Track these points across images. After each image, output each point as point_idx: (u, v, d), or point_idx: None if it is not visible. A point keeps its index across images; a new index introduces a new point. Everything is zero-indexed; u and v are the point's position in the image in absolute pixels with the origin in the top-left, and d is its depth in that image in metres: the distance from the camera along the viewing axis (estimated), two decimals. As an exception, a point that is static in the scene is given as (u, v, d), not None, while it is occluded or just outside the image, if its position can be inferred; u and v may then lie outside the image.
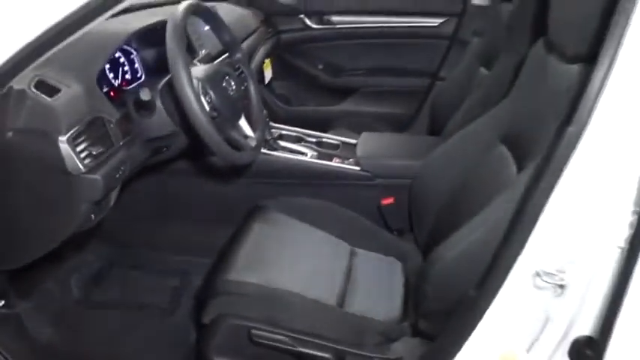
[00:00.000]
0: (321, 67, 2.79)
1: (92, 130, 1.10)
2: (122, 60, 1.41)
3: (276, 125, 2.02)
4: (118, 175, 1.16)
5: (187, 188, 1.87)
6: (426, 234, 1.47)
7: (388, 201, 1.73)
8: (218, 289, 1.28)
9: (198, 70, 1.30)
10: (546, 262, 0.85)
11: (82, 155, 1.05)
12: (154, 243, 1.95)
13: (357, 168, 1.82)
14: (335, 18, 2.71)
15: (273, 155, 1.80)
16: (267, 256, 1.41)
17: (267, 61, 2.53)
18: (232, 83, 1.36)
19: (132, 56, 1.45)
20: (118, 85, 1.38)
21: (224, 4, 2.28)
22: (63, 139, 1.02)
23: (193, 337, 1.57)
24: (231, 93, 1.35)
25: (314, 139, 1.99)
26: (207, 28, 1.71)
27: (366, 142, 1.96)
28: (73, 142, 1.04)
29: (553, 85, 1.11)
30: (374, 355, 1.19)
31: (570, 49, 1.04)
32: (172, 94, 1.27)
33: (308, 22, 2.71)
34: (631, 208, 0.76)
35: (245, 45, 2.12)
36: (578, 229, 0.82)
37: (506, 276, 0.88)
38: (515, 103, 1.32)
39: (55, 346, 1.50)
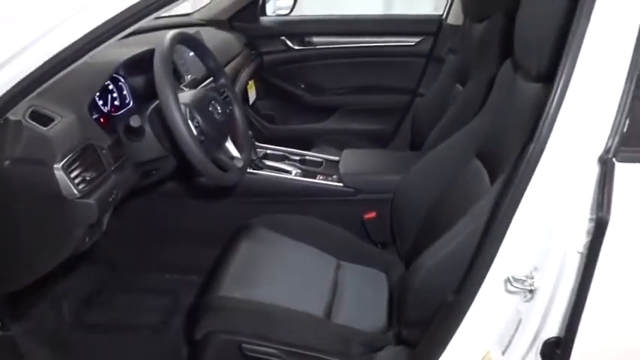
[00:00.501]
0: (303, 86, 2.86)
1: (85, 157, 1.14)
2: (111, 87, 1.46)
3: (261, 145, 2.07)
4: (111, 199, 1.21)
5: (175, 209, 1.91)
6: (408, 246, 1.52)
7: (371, 215, 1.78)
8: (209, 306, 1.32)
9: (186, 95, 1.36)
10: (516, 269, 0.91)
11: (77, 181, 1.10)
12: (143, 264, 1.98)
13: (340, 184, 1.87)
14: (315, 39, 2.79)
15: (259, 174, 1.84)
16: (256, 272, 1.45)
17: (251, 82, 2.59)
18: (218, 107, 1.42)
19: (120, 83, 1.50)
20: (108, 111, 1.43)
21: (207, 29, 2.34)
22: (58, 166, 1.07)
23: (185, 355, 1.60)
24: (217, 117, 1.40)
25: (298, 157, 2.04)
26: (192, 53, 1.77)
27: (348, 159, 2.02)
28: (67, 168, 1.08)
29: (519, 103, 1.18)
30: (360, 364, 1.24)
31: (533, 69, 1.11)
32: (161, 119, 1.32)
33: (289, 43, 2.78)
34: (588, 216, 0.83)
35: (229, 68, 2.18)
36: (544, 238, 0.89)
37: (481, 282, 0.94)
38: (487, 119, 1.39)
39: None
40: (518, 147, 1.08)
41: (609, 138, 0.82)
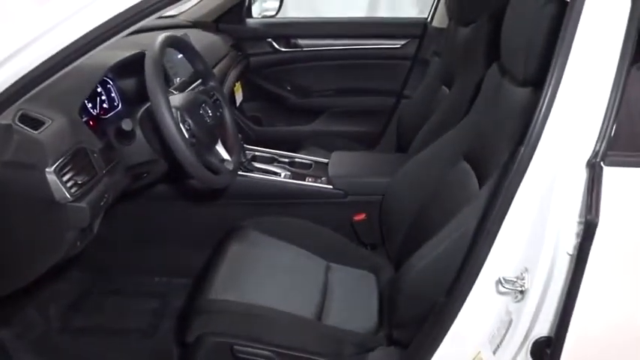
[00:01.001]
0: (289, 88, 2.86)
1: (77, 160, 1.14)
2: (99, 90, 1.45)
3: (250, 147, 2.07)
4: (102, 203, 1.20)
5: (165, 212, 1.90)
6: (397, 247, 1.54)
7: (360, 217, 1.80)
8: (200, 309, 1.32)
9: (176, 99, 1.36)
10: (506, 270, 0.93)
11: (69, 184, 1.09)
12: (132, 267, 1.97)
13: (330, 186, 1.88)
14: (302, 41, 2.80)
15: (248, 177, 1.84)
16: (246, 274, 1.45)
17: (238, 84, 2.59)
18: (208, 110, 1.42)
19: (108, 86, 1.49)
20: (97, 114, 1.42)
21: (194, 31, 2.34)
22: (50, 170, 1.06)
23: (176, 357, 1.59)
24: (208, 120, 1.40)
25: (287, 160, 2.04)
26: (180, 56, 1.76)
27: (337, 161, 2.03)
28: (59, 172, 1.07)
29: (507, 107, 1.21)
30: (351, 365, 1.25)
31: (520, 74, 1.14)
32: (151, 122, 1.32)
33: (276, 45, 2.79)
34: (576, 219, 0.85)
35: (216, 69, 2.17)
36: (534, 239, 0.91)
37: (473, 284, 0.96)
38: (474, 122, 1.41)
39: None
40: (505, 150, 1.11)
41: (597, 142, 0.84)
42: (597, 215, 0.77)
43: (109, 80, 1.49)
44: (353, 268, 1.62)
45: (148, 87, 1.19)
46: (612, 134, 0.84)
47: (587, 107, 0.86)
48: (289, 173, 1.93)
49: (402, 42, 2.75)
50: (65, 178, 1.09)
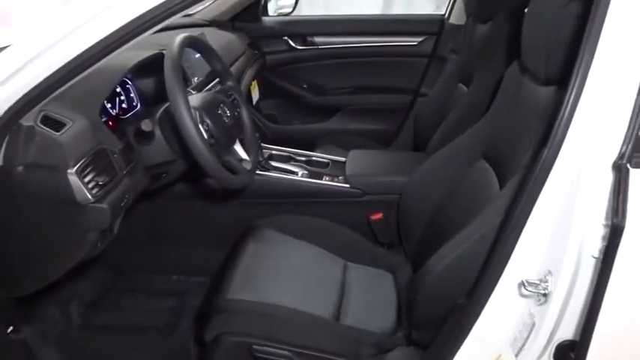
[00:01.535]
0: (305, 86, 2.86)
1: (97, 161, 1.14)
2: (118, 90, 1.46)
3: (267, 146, 2.08)
4: (122, 203, 1.21)
5: (182, 211, 1.91)
6: (414, 246, 1.53)
7: (377, 216, 1.79)
8: (218, 308, 1.33)
9: (194, 99, 1.36)
10: (530, 273, 0.92)
11: (90, 185, 1.10)
12: (150, 266, 1.99)
13: (347, 185, 1.88)
14: (318, 39, 2.79)
15: (265, 176, 1.85)
16: (264, 273, 1.46)
17: (254, 82, 2.59)
18: (227, 110, 1.42)
19: (127, 86, 1.50)
20: (116, 114, 1.43)
21: (211, 30, 2.35)
22: (72, 171, 1.07)
23: (193, 356, 1.60)
24: (226, 120, 1.40)
25: (304, 158, 2.05)
26: (197, 55, 1.77)
27: (354, 160, 2.03)
28: (80, 173, 1.08)
29: (528, 106, 1.19)
30: (371, 365, 1.25)
31: (542, 73, 1.12)
32: (170, 123, 1.33)
33: (292, 43, 2.78)
34: (602, 222, 0.83)
35: (233, 68, 2.18)
36: (558, 242, 0.89)
37: (494, 286, 0.95)
38: (494, 121, 1.40)
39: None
40: (527, 149, 1.09)
41: (623, 143, 0.83)
42: (624, 218, 0.76)
43: (127, 80, 1.50)
44: (370, 267, 1.62)
45: (168, 88, 1.19)
46: (639, 135, 0.82)
47: (613, 107, 0.84)
48: (306, 172, 1.93)
49: (419, 39, 2.74)
50: (87, 179, 1.10)
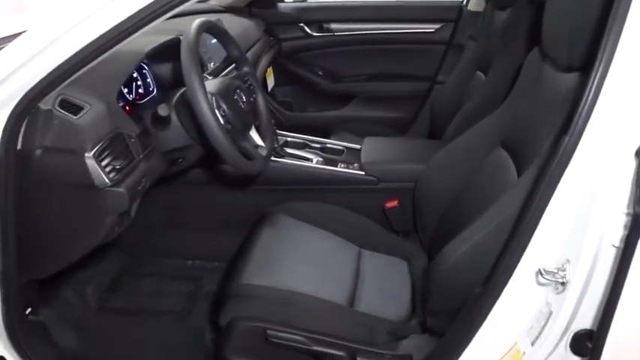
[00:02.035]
0: (320, 73, 2.85)
1: (115, 145, 1.15)
2: (135, 75, 1.47)
3: (282, 132, 2.07)
4: (140, 187, 1.22)
5: (198, 196, 1.92)
6: (429, 235, 1.53)
7: (392, 204, 1.79)
8: (233, 293, 1.34)
9: (211, 84, 1.36)
10: (548, 261, 0.91)
11: (107, 169, 1.11)
12: (166, 250, 2.00)
13: (362, 173, 1.87)
14: (334, 26, 2.77)
15: (280, 162, 1.85)
16: (279, 259, 1.46)
17: (270, 69, 2.59)
18: (243, 96, 1.42)
19: (144, 71, 1.51)
20: (133, 99, 1.44)
21: (227, 16, 2.34)
22: (89, 155, 1.08)
23: (209, 340, 1.61)
24: (242, 105, 1.40)
25: (318, 145, 2.04)
26: (213, 40, 1.77)
27: (369, 147, 2.02)
28: (98, 157, 1.09)
29: (549, 93, 1.17)
30: (385, 352, 1.24)
31: (563, 59, 1.10)
32: (187, 108, 1.33)
33: (308, 30, 2.77)
34: (624, 210, 0.82)
35: (249, 54, 2.18)
36: (577, 230, 0.88)
37: (511, 274, 0.94)
38: (513, 108, 1.38)
39: (78, 352, 1.55)
40: (546, 137, 1.07)
41: (647, 130, 0.81)
42: (647, 207, 0.75)
43: (144, 65, 1.50)
44: (385, 254, 1.61)
45: (185, 73, 1.19)
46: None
47: (637, 94, 0.82)
48: (321, 159, 1.93)
49: (437, 26, 2.71)
50: (104, 163, 1.11)
